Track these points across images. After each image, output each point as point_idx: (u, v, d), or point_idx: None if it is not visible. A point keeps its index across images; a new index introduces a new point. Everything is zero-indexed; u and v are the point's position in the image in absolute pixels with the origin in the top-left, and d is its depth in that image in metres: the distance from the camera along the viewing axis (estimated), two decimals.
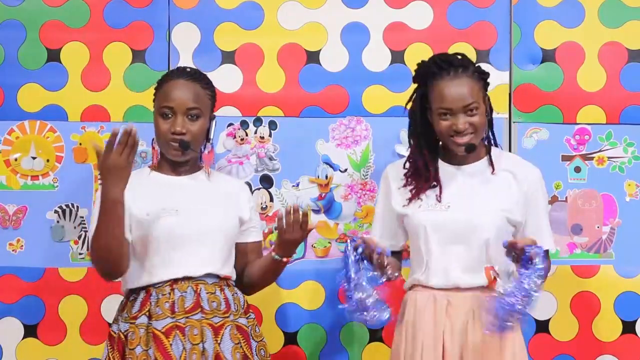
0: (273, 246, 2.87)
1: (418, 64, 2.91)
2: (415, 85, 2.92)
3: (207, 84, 2.90)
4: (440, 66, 2.83)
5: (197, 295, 2.76)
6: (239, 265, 2.93)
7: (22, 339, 3.41)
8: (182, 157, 2.84)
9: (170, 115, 2.81)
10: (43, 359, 3.41)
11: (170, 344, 2.70)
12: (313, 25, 3.45)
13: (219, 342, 2.73)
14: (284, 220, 2.78)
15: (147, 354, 2.71)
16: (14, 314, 3.42)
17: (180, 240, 2.78)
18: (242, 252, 2.93)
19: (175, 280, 2.77)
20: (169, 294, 2.75)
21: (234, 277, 2.89)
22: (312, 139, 3.43)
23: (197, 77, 2.88)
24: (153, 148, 2.93)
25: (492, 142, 2.92)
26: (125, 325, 2.78)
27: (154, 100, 2.91)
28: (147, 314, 2.75)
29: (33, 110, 3.44)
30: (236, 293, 2.85)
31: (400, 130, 3.39)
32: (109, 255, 2.70)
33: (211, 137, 2.92)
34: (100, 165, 2.59)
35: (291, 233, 2.79)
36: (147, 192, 2.84)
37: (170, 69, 3.41)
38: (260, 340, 2.86)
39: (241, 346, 2.77)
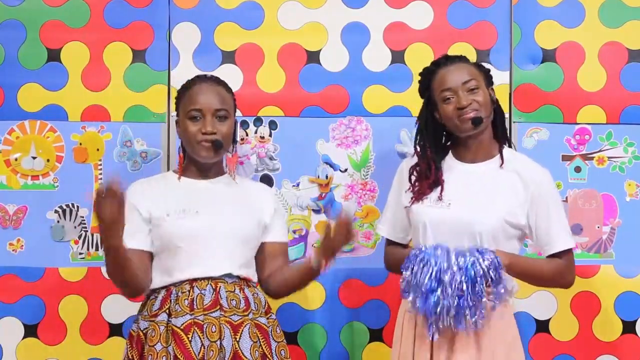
0: (311, 255, 2.84)
1: (419, 74, 2.93)
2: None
3: (229, 89, 2.94)
4: (437, 62, 2.90)
5: (216, 293, 2.77)
6: (263, 266, 2.92)
7: (22, 338, 3.41)
8: (214, 157, 2.86)
9: (199, 118, 2.84)
10: (43, 359, 3.41)
11: (190, 341, 2.72)
12: (313, 25, 3.45)
13: (238, 340, 2.75)
14: (333, 227, 2.73)
15: (167, 350, 2.73)
16: (14, 314, 3.41)
17: (199, 241, 2.80)
18: (266, 252, 2.91)
19: (195, 279, 2.79)
20: (189, 291, 2.77)
21: (254, 279, 2.90)
22: (312, 139, 3.43)
23: (219, 81, 2.94)
24: (179, 155, 2.95)
25: (507, 143, 2.93)
26: (144, 324, 2.80)
27: (176, 109, 2.94)
28: (167, 311, 2.77)
29: (33, 110, 3.44)
30: (257, 293, 2.86)
31: (401, 130, 3.39)
32: (126, 287, 2.81)
33: (237, 139, 2.95)
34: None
35: (338, 240, 2.74)
36: (169, 194, 2.86)
37: (171, 69, 3.42)
38: (281, 341, 2.86)
39: (260, 345, 2.78)
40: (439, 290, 2.62)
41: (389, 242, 3.02)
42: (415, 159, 2.94)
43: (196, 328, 2.73)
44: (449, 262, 2.64)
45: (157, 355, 2.72)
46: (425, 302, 2.64)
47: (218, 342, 2.73)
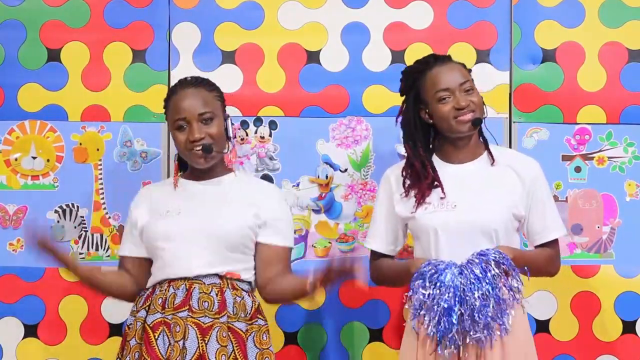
0: (310, 276, 2.75)
1: (403, 72, 2.93)
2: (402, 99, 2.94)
3: (212, 87, 2.89)
4: (426, 61, 2.88)
5: (188, 293, 2.76)
6: (258, 272, 2.86)
7: (22, 338, 3.41)
8: (208, 162, 2.83)
9: (185, 127, 2.81)
10: (43, 359, 3.41)
11: (156, 339, 2.73)
12: (313, 25, 3.45)
13: (206, 342, 2.73)
14: (336, 269, 2.68)
15: (141, 346, 2.75)
16: (14, 314, 3.42)
17: (176, 241, 2.80)
18: (261, 256, 2.85)
19: (173, 279, 2.79)
20: (165, 290, 2.78)
21: (245, 276, 2.84)
22: (312, 139, 3.43)
23: (199, 82, 2.89)
24: (175, 163, 2.95)
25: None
26: (131, 319, 2.84)
27: (166, 118, 2.92)
28: (146, 308, 2.79)
29: (33, 110, 3.44)
30: (242, 297, 2.82)
31: (401, 130, 3.39)
32: (118, 298, 2.95)
33: (231, 135, 2.90)
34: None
35: (337, 277, 2.70)
36: (164, 201, 2.87)
37: (171, 69, 3.42)
38: (267, 348, 2.81)
39: (233, 350, 2.75)
40: (458, 307, 2.62)
41: (378, 256, 2.96)
42: (398, 166, 2.93)
43: (165, 327, 2.74)
44: (464, 277, 2.64)
45: (131, 350, 2.77)
46: (443, 322, 2.64)
47: (181, 342, 2.72)
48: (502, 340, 2.70)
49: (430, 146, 2.92)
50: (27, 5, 3.45)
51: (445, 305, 2.63)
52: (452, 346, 2.66)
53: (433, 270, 2.68)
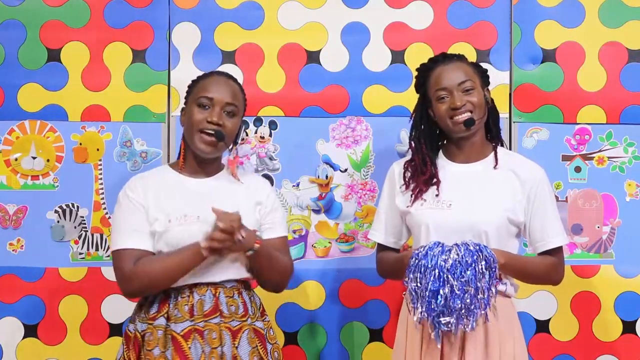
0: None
1: (416, 70, 2.92)
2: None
3: (242, 89, 2.89)
4: (435, 60, 2.88)
5: (215, 299, 2.74)
6: None
7: (22, 338, 3.41)
8: (212, 150, 2.78)
9: (207, 107, 2.77)
10: (43, 359, 3.41)
11: (189, 347, 2.69)
12: (313, 25, 3.45)
13: (236, 345, 2.72)
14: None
15: (165, 355, 2.69)
16: (14, 314, 3.41)
17: None
18: None
19: (196, 284, 2.74)
20: (188, 296, 2.73)
21: (252, 277, 2.83)
22: (313, 139, 3.43)
23: (235, 79, 2.88)
24: (181, 147, 2.84)
25: (500, 142, 2.91)
26: (142, 326, 2.75)
27: (186, 98, 2.85)
28: (165, 315, 2.73)
29: (33, 110, 3.44)
30: (253, 296, 2.83)
31: (401, 130, 3.40)
32: (163, 287, 2.74)
33: (238, 140, 2.87)
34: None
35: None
36: (169, 195, 2.79)
37: (171, 69, 3.42)
38: (275, 343, 2.83)
39: (258, 349, 2.76)
40: (442, 290, 2.60)
41: (382, 248, 2.97)
42: (404, 160, 2.93)
43: (197, 334, 2.70)
44: (449, 258, 2.62)
45: (155, 359, 2.68)
46: (431, 306, 2.61)
47: (219, 349, 2.70)
48: (488, 338, 2.70)
49: (439, 144, 2.92)
50: (27, 5, 3.45)
51: (433, 288, 2.61)
52: (440, 330, 2.64)
53: (417, 260, 2.66)
